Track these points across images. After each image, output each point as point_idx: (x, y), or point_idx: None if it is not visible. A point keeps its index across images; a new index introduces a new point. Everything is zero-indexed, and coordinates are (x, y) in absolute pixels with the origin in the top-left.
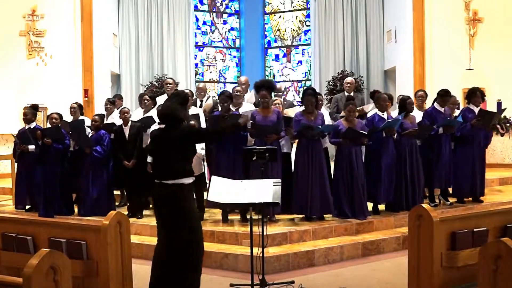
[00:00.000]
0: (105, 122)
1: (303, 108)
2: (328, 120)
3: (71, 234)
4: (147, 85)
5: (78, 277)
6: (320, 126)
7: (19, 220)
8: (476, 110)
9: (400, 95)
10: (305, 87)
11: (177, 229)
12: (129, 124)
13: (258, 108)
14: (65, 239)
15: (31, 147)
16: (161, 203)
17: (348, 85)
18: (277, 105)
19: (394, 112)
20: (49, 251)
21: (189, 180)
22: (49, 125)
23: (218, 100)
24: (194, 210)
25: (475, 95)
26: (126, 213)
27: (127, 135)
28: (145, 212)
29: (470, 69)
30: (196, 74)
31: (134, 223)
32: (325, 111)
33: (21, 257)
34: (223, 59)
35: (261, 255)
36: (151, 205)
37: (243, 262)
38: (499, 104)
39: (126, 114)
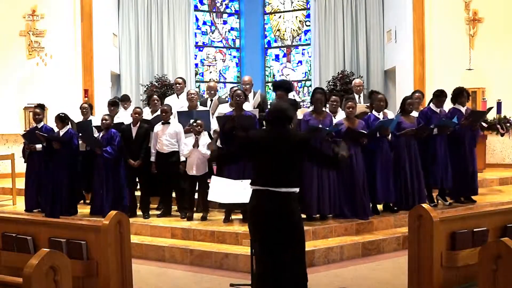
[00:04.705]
0: None
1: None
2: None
3: (71, 234)
4: (147, 85)
5: (78, 277)
6: (327, 128)
7: (19, 220)
8: (463, 109)
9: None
10: (305, 87)
11: (292, 244)
12: (138, 124)
13: None
14: (65, 239)
15: (39, 146)
16: (274, 214)
17: (358, 87)
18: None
19: (393, 113)
20: (49, 251)
21: (297, 189)
22: (54, 125)
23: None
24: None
25: (461, 95)
26: None
27: (134, 135)
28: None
29: (470, 69)
30: (196, 74)
31: (134, 223)
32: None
33: (21, 257)
34: (223, 59)
35: None
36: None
37: (243, 262)
38: (498, 104)
39: (137, 115)
